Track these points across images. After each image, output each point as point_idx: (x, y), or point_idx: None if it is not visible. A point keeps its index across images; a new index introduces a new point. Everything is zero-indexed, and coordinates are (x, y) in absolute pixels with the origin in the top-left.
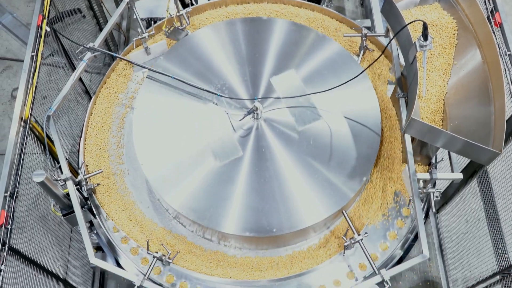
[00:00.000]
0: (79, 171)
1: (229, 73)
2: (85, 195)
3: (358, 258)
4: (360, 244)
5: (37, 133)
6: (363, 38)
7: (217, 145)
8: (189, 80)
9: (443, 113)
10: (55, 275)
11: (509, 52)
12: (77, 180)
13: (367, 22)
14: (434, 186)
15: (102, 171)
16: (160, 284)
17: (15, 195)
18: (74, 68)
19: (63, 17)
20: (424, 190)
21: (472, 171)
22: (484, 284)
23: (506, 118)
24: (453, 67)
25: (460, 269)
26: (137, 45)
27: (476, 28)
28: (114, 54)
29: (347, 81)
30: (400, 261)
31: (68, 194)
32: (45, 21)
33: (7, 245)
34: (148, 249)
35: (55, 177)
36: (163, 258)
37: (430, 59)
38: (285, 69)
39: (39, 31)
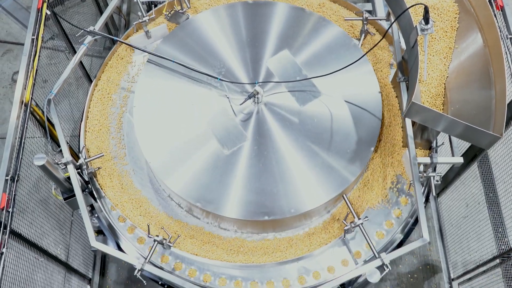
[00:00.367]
0: (80, 154)
1: (229, 57)
2: (86, 178)
3: (358, 242)
4: (360, 228)
5: (38, 117)
6: (364, 22)
7: (222, 133)
8: (190, 64)
9: (443, 97)
10: (57, 258)
11: (510, 36)
12: (78, 163)
13: (368, 6)
14: (434, 170)
15: (103, 155)
16: (161, 268)
17: (16, 179)
18: (75, 52)
19: (63, 0)
20: (425, 174)
21: (473, 155)
22: (484, 268)
23: (507, 102)
24: (454, 51)
25: (460, 252)
26: (137, 28)
27: (477, 11)
28: (115, 38)
29: (348, 65)
30: (400, 245)
31: (69, 178)
32: (45, 4)
33: (8, 228)
34: (149, 233)
35: (56, 161)
36: (164, 241)
37: (431, 43)
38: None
39: (39, 14)
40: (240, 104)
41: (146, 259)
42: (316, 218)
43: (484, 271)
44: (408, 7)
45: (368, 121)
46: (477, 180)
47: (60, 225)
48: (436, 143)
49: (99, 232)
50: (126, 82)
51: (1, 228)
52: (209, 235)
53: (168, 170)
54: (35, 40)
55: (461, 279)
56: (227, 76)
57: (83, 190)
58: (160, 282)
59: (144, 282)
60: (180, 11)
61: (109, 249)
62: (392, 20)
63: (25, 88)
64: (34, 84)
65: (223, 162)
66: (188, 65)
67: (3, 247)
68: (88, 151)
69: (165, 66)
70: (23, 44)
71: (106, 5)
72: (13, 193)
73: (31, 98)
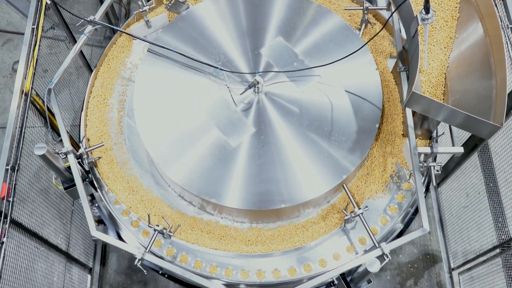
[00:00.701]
0: (80, 144)
1: (229, 46)
2: (86, 168)
3: (359, 231)
4: (360, 217)
5: (38, 106)
6: (365, 12)
7: (226, 126)
8: (190, 54)
9: (444, 87)
10: (57, 247)
11: (511, 25)
12: (78, 153)
13: None
14: (434, 160)
15: (103, 145)
16: (161, 257)
17: (16, 168)
18: (75, 41)
19: None
20: (425, 164)
21: (473, 145)
22: (484, 257)
23: (508, 91)
24: (454, 41)
25: (460, 242)
26: (137, 18)
27: (478, 1)
28: (115, 27)
29: (348, 55)
30: (400, 234)
31: (69, 168)
32: None
33: (9, 218)
34: (149, 223)
35: (56, 151)
36: (164, 231)
37: (431, 32)
38: (287, 43)
39: (39, 3)
40: (241, 94)
41: (146, 248)
42: (315, 208)
43: (484, 261)
44: None
45: (369, 111)
46: (478, 170)
47: (61, 215)
48: (437, 133)
49: (99, 221)
50: (127, 72)
51: (2, 218)
52: (209, 225)
53: (168, 160)
54: (35, 29)
55: (461, 269)
56: (227, 65)
57: (83, 180)
58: (160, 272)
59: (145, 271)
60: (180, 0)
61: (110, 238)
62: (393, 9)
63: (25, 78)
64: (34, 73)
65: (223, 152)
66: (188, 55)
67: (4, 236)
68: (89, 141)
69: (165, 55)
70: (23, 34)
71: None
72: (14, 182)
73: (32, 87)
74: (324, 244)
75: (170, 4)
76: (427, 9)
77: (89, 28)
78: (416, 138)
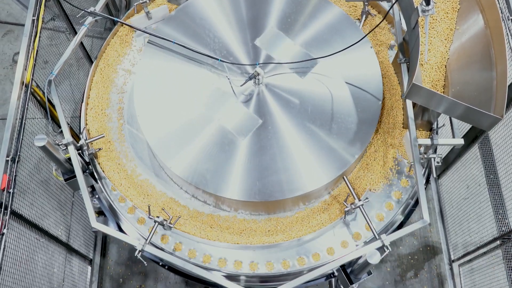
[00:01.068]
0: (81, 135)
1: (230, 38)
2: (87, 159)
3: (359, 223)
4: (360, 209)
5: (39, 98)
6: (365, 3)
7: (233, 121)
8: (190, 45)
9: (444, 79)
10: (57, 239)
11: (511, 17)
12: (78, 144)
13: None
14: (435, 151)
15: (104, 136)
16: (161, 249)
17: (16, 160)
18: (75, 33)
19: None
20: (425, 156)
21: (473, 136)
22: (484, 249)
23: (508, 83)
24: (455, 32)
25: (460, 234)
26: (138, 9)
27: None
28: (115, 19)
29: (349, 46)
30: (400, 226)
31: (69, 159)
32: None
33: (9, 209)
34: (149, 214)
35: (57, 142)
36: (165, 222)
37: (432, 24)
38: (286, 34)
39: None
40: (241, 85)
41: (146, 240)
42: (316, 199)
43: (485, 253)
44: None
45: (369, 102)
46: (478, 162)
47: (61, 206)
48: (437, 124)
49: (99, 213)
50: (127, 63)
51: (2, 209)
52: (209, 216)
53: (168, 152)
54: (35, 21)
55: (461, 261)
56: (228, 57)
57: (83, 171)
58: (160, 263)
59: (145, 263)
60: None
61: (110, 230)
62: (393, 1)
63: (25, 69)
64: (34, 65)
65: (224, 143)
66: (188, 46)
67: (4, 228)
68: (89, 132)
69: (165, 47)
70: (23, 25)
71: None
72: (14, 174)
73: (32, 79)
74: (324, 236)
75: None
76: (427, 0)
77: (90, 19)
78: (416, 129)
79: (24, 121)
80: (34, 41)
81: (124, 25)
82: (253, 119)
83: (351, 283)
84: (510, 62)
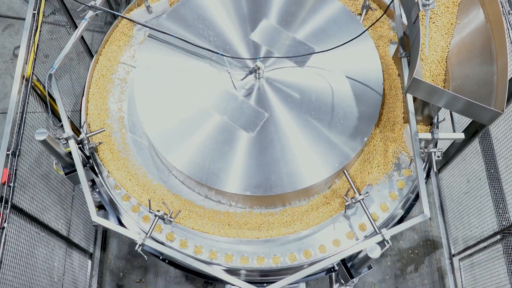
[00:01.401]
0: (81, 129)
1: (231, 32)
2: (87, 153)
3: (359, 217)
4: (361, 203)
5: (39, 92)
6: None
7: (239, 117)
8: (191, 39)
9: (445, 73)
10: (58, 233)
11: None
12: (79, 138)
13: None
14: (435, 146)
15: (104, 130)
16: (161, 243)
17: (17, 153)
18: (76, 27)
19: None
20: (426, 150)
21: (474, 131)
22: (485, 244)
23: (509, 77)
24: (455, 26)
25: (460, 228)
26: (138, 3)
27: None
28: (116, 13)
29: (349, 41)
30: (401, 220)
31: (70, 153)
32: None
33: (9, 203)
34: (149, 208)
35: (57, 136)
36: (165, 216)
37: (433, 18)
38: (287, 28)
39: None
40: (241, 80)
41: (147, 234)
42: (316, 194)
43: (485, 247)
44: None
45: (369, 97)
46: (478, 156)
47: (61, 200)
48: (437, 118)
49: (100, 207)
50: (127, 57)
51: (3, 203)
52: (210, 211)
53: (169, 146)
54: (36, 14)
55: (462, 255)
56: (228, 51)
57: (84, 165)
58: (161, 257)
59: (145, 257)
60: None
61: (110, 224)
62: None
63: (26, 63)
64: (35, 59)
65: (224, 138)
66: (189, 40)
67: (5, 221)
68: (89, 126)
69: (166, 41)
70: (24, 19)
71: None
72: (14, 168)
73: (32, 73)
74: (324, 230)
75: None
76: None
77: (90, 13)
78: (417, 124)
79: (24, 115)
80: (34, 35)
81: (124, 19)
82: (259, 113)
83: (352, 277)
84: (510, 56)
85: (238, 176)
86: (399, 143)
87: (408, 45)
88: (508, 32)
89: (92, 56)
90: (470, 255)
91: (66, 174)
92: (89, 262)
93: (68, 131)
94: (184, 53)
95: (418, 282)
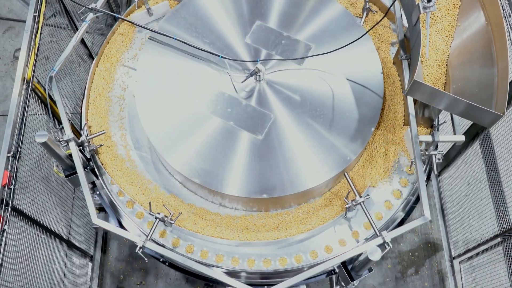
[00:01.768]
0: (82, 132)
1: (231, 34)
2: (88, 156)
3: (360, 220)
4: (361, 206)
5: (40, 94)
6: (366, 0)
7: (245, 121)
8: (191, 42)
9: (445, 75)
10: (58, 235)
11: None
12: (79, 141)
13: None
14: (436, 148)
15: (105, 132)
16: (162, 245)
17: (18, 156)
18: (76, 29)
19: None
20: (426, 152)
21: (475, 133)
22: (485, 246)
23: (509, 80)
24: (456, 29)
25: (461, 231)
26: (139, 6)
27: None
28: (116, 15)
29: (350, 43)
30: (401, 223)
31: (70, 155)
32: None
33: (10, 205)
34: (150, 210)
35: (58, 138)
36: (166, 219)
37: (433, 21)
38: (287, 30)
39: None
40: (242, 82)
41: (147, 236)
42: (316, 196)
43: (485, 250)
44: None
45: (370, 99)
46: (479, 159)
47: (62, 202)
48: (438, 121)
49: (100, 209)
50: (128, 60)
51: (3, 205)
52: (211, 213)
53: (170, 148)
54: (36, 17)
55: (462, 258)
56: (229, 53)
57: (84, 167)
58: (161, 260)
59: (146, 259)
60: None
61: (111, 226)
62: None
63: (27, 65)
64: (35, 61)
65: (224, 140)
66: (189, 43)
67: (5, 224)
68: (90, 129)
69: (166, 43)
70: (24, 21)
71: None
72: (15, 170)
73: (33, 75)
74: (325, 233)
75: None
76: None
77: (91, 15)
78: (417, 126)
79: (25, 117)
80: (35, 38)
81: (125, 22)
82: (265, 115)
83: (352, 279)
84: (511, 58)
85: (238, 179)
86: (399, 146)
87: (408, 47)
88: (509, 35)
89: (93, 59)
90: (471, 257)
91: (66, 176)
92: (90, 264)
93: (69, 133)
94: (185, 55)
95: (418, 285)
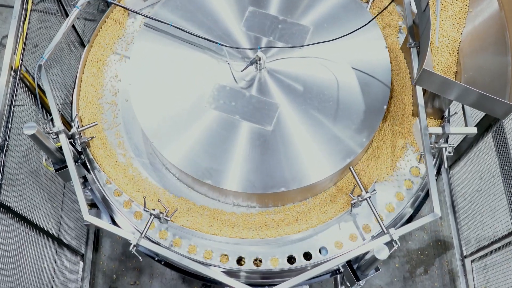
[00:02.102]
0: (72, 123)
1: (230, 21)
2: (79, 149)
3: (366, 216)
4: (368, 202)
5: (28, 84)
6: None
7: (253, 113)
8: (188, 29)
9: (456, 64)
10: (48, 232)
11: None
12: (70, 133)
13: None
14: (446, 141)
15: (97, 124)
16: (157, 243)
17: (5, 149)
18: (67, 15)
19: None
20: (436, 145)
21: (487, 125)
22: (499, 244)
23: None
24: (468, 15)
25: (473, 228)
26: None
27: None
28: (109, 0)
29: (356, 30)
30: (410, 220)
31: (60, 148)
32: None
33: None
34: (144, 206)
35: (47, 130)
36: (161, 215)
37: (444, 6)
38: (290, 16)
39: None
40: (241, 71)
41: (142, 233)
42: (320, 191)
43: (499, 248)
44: None
45: (377, 89)
46: (492, 152)
47: (51, 198)
48: (449, 112)
49: (92, 205)
50: (121, 47)
51: None
52: (209, 209)
53: (165, 140)
54: (25, 2)
55: (474, 256)
56: (228, 41)
57: (75, 161)
58: (156, 258)
59: (140, 258)
60: None
61: (103, 223)
62: None
63: (14, 53)
64: (24, 48)
65: (223, 132)
66: (186, 29)
67: None
68: (81, 120)
69: (162, 30)
70: (12, 7)
71: None
72: (2, 163)
73: (21, 63)
74: (329, 230)
75: None
76: None
77: (82, 0)
78: (427, 117)
79: (12, 108)
80: (23, 24)
81: (118, 7)
82: (271, 105)
83: (358, 279)
84: None
85: (237, 173)
86: (408, 138)
87: (417, 34)
88: None
89: (84, 46)
90: (483, 256)
91: (56, 170)
92: (81, 263)
93: (59, 124)
94: (182, 42)
95: (428, 285)
